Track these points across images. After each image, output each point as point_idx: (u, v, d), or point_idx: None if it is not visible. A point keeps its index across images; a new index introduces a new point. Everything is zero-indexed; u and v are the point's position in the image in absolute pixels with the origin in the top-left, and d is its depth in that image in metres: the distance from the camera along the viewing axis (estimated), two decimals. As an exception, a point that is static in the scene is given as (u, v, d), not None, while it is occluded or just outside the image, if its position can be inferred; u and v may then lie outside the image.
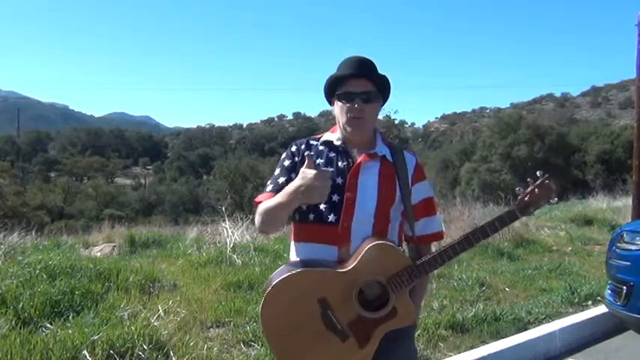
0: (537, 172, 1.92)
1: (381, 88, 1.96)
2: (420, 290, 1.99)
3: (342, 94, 1.92)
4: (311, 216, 1.90)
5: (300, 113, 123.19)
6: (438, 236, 2.05)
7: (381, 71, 1.97)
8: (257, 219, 1.92)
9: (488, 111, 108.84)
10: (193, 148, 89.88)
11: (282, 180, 1.93)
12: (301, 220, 1.94)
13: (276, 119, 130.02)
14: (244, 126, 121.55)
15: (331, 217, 1.86)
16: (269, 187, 1.95)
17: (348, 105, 1.90)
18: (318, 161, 1.94)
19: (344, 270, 1.79)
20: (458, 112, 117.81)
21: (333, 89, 1.96)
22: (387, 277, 1.78)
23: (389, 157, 1.97)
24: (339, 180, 1.89)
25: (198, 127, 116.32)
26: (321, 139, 2.01)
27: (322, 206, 1.87)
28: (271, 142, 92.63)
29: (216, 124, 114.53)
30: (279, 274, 1.84)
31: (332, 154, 1.96)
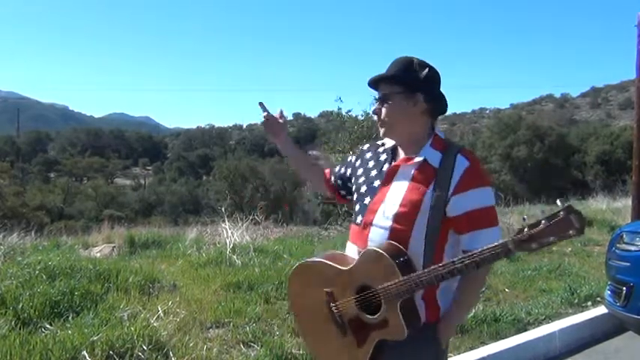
0: (558, 201, 1.80)
1: (409, 85, 1.84)
2: (464, 290, 1.82)
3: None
4: (353, 216, 1.99)
5: (300, 114, 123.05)
6: None
7: (378, 69, 1.91)
8: None
9: (488, 112, 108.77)
10: (193, 149, 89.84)
11: (339, 167, 2.20)
12: (351, 219, 2.05)
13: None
14: (244, 127, 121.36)
15: (359, 219, 1.92)
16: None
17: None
18: (369, 164, 2.01)
19: (345, 268, 1.83)
20: (458, 112, 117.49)
21: None
22: (379, 285, 1.73)
23: (433, 161, 1.81)
24: (377, 183, 1.91)
25: (197, 127, 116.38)
26: (387, 143, 2.02)
27: (357, 207, 1.95)
28: (271, 143, 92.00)
29: (216, 125, 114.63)
30: (310, 258, 2.03)
31: (383, 157, 1.98)
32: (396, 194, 1.83)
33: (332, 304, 1.84)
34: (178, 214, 38.66)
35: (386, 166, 1.93)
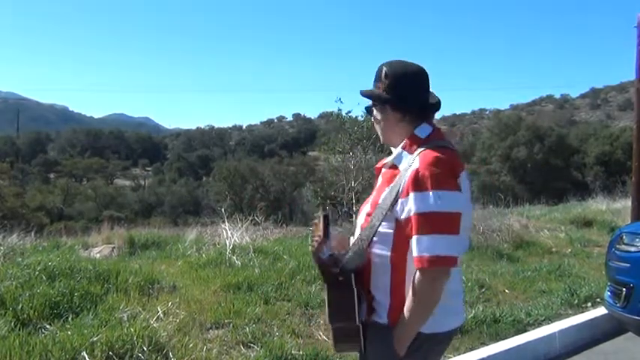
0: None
1: (371, 97, 1.97)
2: (408, 306, 1.76)
3: None
4: None
5: (299, 115, 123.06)
6: (416, 261, 1.70)
7: (372, 70, 1.98)
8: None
9: (487, 112, 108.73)
10: (193, 150, 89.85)
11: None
12: None
13: (275, 121, 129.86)
14: (244, 127, 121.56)
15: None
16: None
17: None
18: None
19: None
20: (457, 113, 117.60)
21: None
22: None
23: (401, 164, 1.83)
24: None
25: (197, 128, 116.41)
26: None
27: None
28: (271, 144, 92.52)
29: (216, 126, 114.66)
30: None
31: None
32: (370, 199, 1.95)
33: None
34: (178, 214, 38.66)
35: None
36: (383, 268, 1.82)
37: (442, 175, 1.71)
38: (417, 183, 1.71)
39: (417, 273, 1.71)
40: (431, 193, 1.69)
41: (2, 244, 6.04)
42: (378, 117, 1.95)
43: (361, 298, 1.80)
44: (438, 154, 1.76)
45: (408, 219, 1.73)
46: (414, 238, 1.70)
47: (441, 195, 1.69)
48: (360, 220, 1.93)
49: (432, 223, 1.68)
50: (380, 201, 1.81)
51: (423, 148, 1.79)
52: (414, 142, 1.85)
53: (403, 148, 1.87)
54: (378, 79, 1.93)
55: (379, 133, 2.01)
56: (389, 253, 1.79)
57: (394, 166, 1.87)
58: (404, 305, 1.76)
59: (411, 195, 1.71)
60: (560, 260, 6.86)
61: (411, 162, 1.77)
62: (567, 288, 5.32)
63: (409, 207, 1.72)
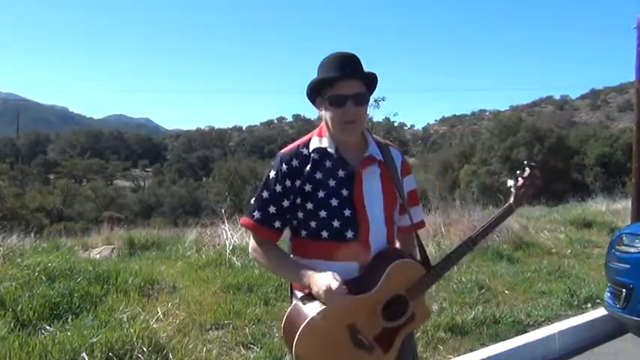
0: (524, 161, 2.03)
1: (370, 86, 1.90)
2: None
3: (333, 98, 1.81)
4: (324, 233, 1.84)
5: (299, 115, 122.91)
6: (422, 224, 2.09)
7: (371, 70, 1.91)
8: (253, 255, 1.94)
9: (487, 113, 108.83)
10: (193, 151, 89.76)
11: (272, 209, 1.85)
12: (311, 237, 1.88)
13: (275, 121, 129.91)
14: (244, 128, 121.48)
15: (349, 234, 1.84)
16: (256, 214, 1.87)
17: (340, 109, 1.81)
18: (317, 176, 1.84)
19: (369, 294, 1.79)
20: (457, 114, 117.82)
21: (319, 91, 1.86)
22: (406, 289, 1.85)
23: (380, 156, 1.93)
24: (345, 192, 1.85)
25: (197, 129, 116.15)
26: (311, 147, 1.89)
27: (336, 223, 1.83)
28: (271, 145, 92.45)
29: (216, 127, 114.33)
30: (303, 314, 1.78)
31: (328, 164, 1.87)
32: (376, 198, 1.88)
33: (357, 334, 1.79)
34: (178, 215, 38.62)
35: (341, 172, 1.86)
36: None
37: None
38: (409, 166, 2.06)
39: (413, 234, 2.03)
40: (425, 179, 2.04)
41: (2, 245, 6.03)
42: (366, 108, 1.91)
43: None
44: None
45: (406, 195, 2.01)
46: (417, 207, 2.07)
47: None
48: (377, 226, 1.88)
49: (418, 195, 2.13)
50: (395, 192, 1.96)
51: (379, 138, 2.03)
52: (371, 133, 2.01)
53: (373, 139, 1.98)
54: (363, 69, 1.87)
55: (359, 124, 1.87)
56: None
57: (381, 161, 1.93)
58: None
59: (410, 176, 2.04)
60: (560, 261, 6.86)
61: (385, 151, 1.97)
62: (567, 289, 5.32)
63: (408, 185, 2.03)
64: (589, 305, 5.04)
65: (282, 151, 1.94)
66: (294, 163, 1.87)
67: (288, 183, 1.85)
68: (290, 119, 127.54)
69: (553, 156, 37.46)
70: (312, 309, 1.77)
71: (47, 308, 3.96)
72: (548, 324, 4.51)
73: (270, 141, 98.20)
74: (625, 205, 11.10)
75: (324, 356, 1.79)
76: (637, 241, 4.32)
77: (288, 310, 1.86)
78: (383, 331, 1.83)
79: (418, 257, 1.97)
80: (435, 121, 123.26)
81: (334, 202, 1.84)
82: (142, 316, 3.89)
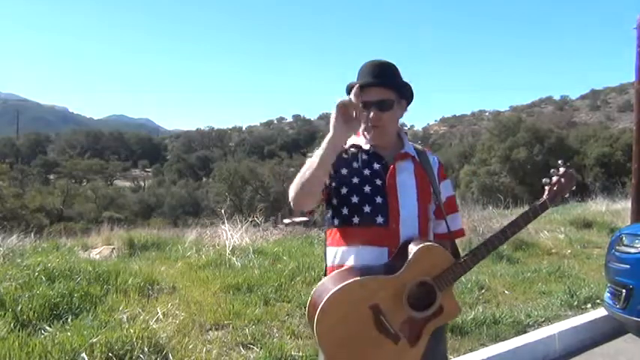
0: (559, 162, 2.03)
1: (400, 93, 1.98)
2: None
3: (362, 103, 1.86)
4: (355, 219, 1.92)
5: (299, 116, 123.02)
6: (461, 232, 2.12)
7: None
8: (292, 193, 1.87)
9: (487, 114, 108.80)
10: (193, 151, 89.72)
11: None
12: (344, 224, 1.94)
13: (275, 122, 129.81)
14: (244, 128, 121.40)
15: (379, 219, 1.90)
16: None
17: (364, 113, 1.89)
18: (354, 165, 1.96)
19: (394, 275, 1.81)
20: (457, 114, 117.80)
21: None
22: (433, 277, 1.85)
23: (414, 153, 2.03)
24: (378, 181, 1.94)
25: (197, 129, 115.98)
26: (348, 143, 1.98)
27: (367, 208, 1.91)
28: (271, 145, 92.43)
29: (216, 127, 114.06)
30: (327, 287, 1.82)
31: (365, 157, 1.98)
32: (409, 190, 1.95)
33: (380, 316, 1.79)
34: (178, 215, 38.61)
35: (376, 165, 1.97)
36: None
37: None
38: (445, 172, 2.11)
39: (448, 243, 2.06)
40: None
41: (2, 245, 6.04)
42: (395, 113, 1.98)
43: None
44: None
45: (444, 201, 2.05)
46: (457, 214, 2.12)
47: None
48: (410, 214, 1.94)
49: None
50: (430, 188, 2.01)
51: (417, 144, 2.10)
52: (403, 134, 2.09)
53: (408, 142, 2.06)
54: (396, 75, 1.98)
55: (386, 128, 1.96)
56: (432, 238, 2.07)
57: (415, 158, 2.02)
58: None
59: (447, 181, 2.10)
60: (559, 261, 6.87)
61: (422, 154, 2.05)
62: (567, 289, 5.32)
63: (446, 191, 2.08)
64: (589, 305, 5.04)
65: None
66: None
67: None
68: (290, 119, 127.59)
69: (553, 156, 37.40)
70: (337, 283, 1.80)
71: (47, 308, 3.96)
72: (548, 324, 4.51)
73: (270, 141, 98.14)
74: (625, 205, 11.12)
75: (345, 336, 1.78)
76: (637, 241, 4.33)
77: (315, 287, 1.90)
78: (409, 320, 1.82)
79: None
80: (435, 121, 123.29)
81: (367, 188, 1.94)
82: (141, 317, 3.89)
